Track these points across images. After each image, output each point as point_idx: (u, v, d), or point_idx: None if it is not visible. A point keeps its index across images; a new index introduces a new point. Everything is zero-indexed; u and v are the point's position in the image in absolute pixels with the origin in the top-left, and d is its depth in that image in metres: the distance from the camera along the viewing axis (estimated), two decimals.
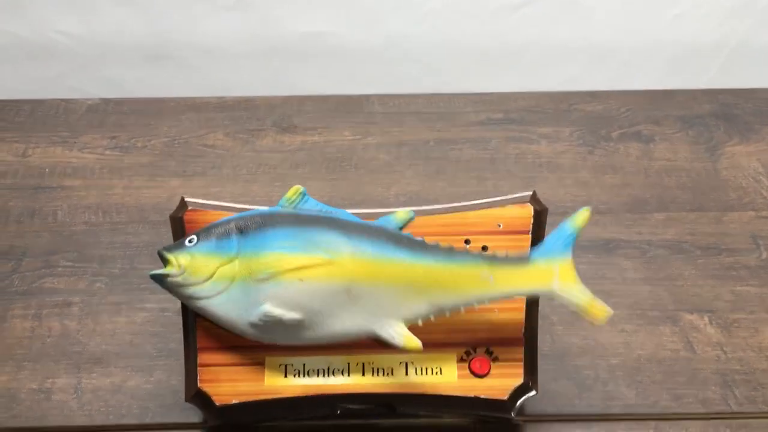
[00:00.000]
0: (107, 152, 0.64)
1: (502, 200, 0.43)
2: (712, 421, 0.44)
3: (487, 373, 0.41)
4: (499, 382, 0.41)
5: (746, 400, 0.45)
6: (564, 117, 0.68)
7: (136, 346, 0.48)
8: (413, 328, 0.39)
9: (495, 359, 0.41)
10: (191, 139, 0.66)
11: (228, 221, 0.40)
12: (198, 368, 0.41)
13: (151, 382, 0.46)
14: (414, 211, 0.41)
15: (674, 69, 0.89)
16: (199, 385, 0.40)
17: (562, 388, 0.45)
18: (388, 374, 0.41)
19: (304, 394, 0.40)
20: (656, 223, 0.57)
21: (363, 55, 0.88)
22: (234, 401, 0.40)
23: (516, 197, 0.43)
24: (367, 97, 0.71)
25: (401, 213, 0.41)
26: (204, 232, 0.40)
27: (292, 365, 0.41)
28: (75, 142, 0.65)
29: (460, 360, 0.41)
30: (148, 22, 0.87)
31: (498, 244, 0.41)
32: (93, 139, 0.66)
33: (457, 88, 0.73)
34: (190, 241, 0.40)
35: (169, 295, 0.50)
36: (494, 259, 0.39)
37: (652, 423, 0.44)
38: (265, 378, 0.41)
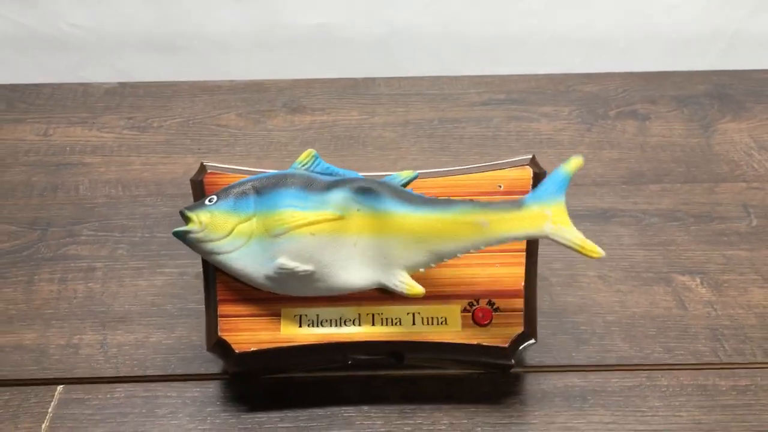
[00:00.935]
0: (125, 131, 0.67)
1: (502, 163, 0.45)
2: (702, 371, 0.46)
3: (489, 323, 0.43)
4: (500, 330, 0.43)
5: (735, 351, 0.47)
6: (563, 97, 0.71)
7: (158, 306, 0.51)
8: (420, 279, 0.42)
9: (496, 310, 0.44)
10: (205, 120, 0.69)
11: (245, 182, 0.43)
12: (218, 319, 0.43)
13: (172, 338, 0.48)
14: (419, 172, 0.44)
15: (672, 56, 0.91)
16: (219, 334, 0.43)
17: (560, 342, 0.48)
18: (396, 324, 0.43)
19: (318, 342, 0.43)
20: (651, 193, 0.60)
21: (367, 45, 0.91)
22: (252, 349, 0.43)
23: (516, 160, 0.45)
24: (373, 80, 0.73)
25: (405, 172, 0.43)
26: (223, 193, 0.43)
27: (307, 316, 0.43)
28: (94, 123, 0.68)
29: (464, 311, 0.44)
30: (158, 14, 0.90)
31: None
32: (111, 120, 0.68)
33: (458, 72, 0.76)
34: (210, 201, 0.43)
35: (187, 260, 0.53)
36: (488, 206, 0.40)
37: (645, 372, 0.46)
38: (282, 327, 0.43)
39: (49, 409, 0.44)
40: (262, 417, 0.44)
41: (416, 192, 0.43)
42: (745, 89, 0.72)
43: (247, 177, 0.44)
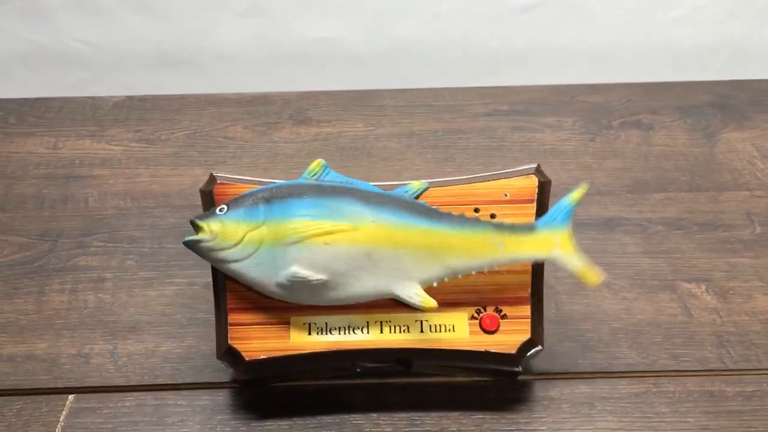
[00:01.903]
0: (133, 144, 0.68)
1: (508, 172, 0.46)
2: (708, 377, 0.47)
3: (497, 330, 0.44)
4: (508, 337, 0.44)
5: (741, 358, 0.48)
6: (567, 108, 0.72)
7: (168, 316, 0.51)
8: (428, 289, 0.42)
9: (504, 317, 0.44)
10: (212, 132, 0.69)
11: (255, 192, 0.43)
12: (228, 327, 0.44)
13: (182, 347, 0.49)
14: (428, 183, 0.44)
15: (675, 67, 0.92)
16: (229, 342, 0.43)
17: (566, 349, 0.48)
18: (404, 331, 0.44)
19: (327, 350, 0.43)
20: (655, 202, 0.60)
21: (372, 59, 0.92)
22: (262, 356, 0.43)
23: (522, 169, 0.46)
24: (378, 92, 0.74)
25: (416, 183, 0.44)
26: (233, 202, 0.43)
27: (316, 323, 0.44)
28: (102, 136, 0.69)
29: (471, 318, 0.44)
30: (164, 30, 0.91)
31: (505, 213, 0.44)
32: (119, 133, 0.69)
33: (462, 84, 0.77)
34: (220, 210, 0.43)
35: (196, 270, 0.53)
36: (503, 228, 0.42)
37: (652, 379, 0.47)
38: (291, 335, 0.44)
39: (61, 418, 0.45)
40: (271, 425, 0.44)
41: (424, 201, 0.43)
42: (747, 99, 0.72)
43: (257, 187, 0.44)
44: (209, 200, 0.45)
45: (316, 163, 0.44)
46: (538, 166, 0.46)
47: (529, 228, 0.43)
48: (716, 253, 0.55)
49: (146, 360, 0.48)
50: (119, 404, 0.46)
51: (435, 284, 0.43)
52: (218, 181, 0.45)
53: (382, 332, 0.44)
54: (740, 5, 0.89)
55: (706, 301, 0.52)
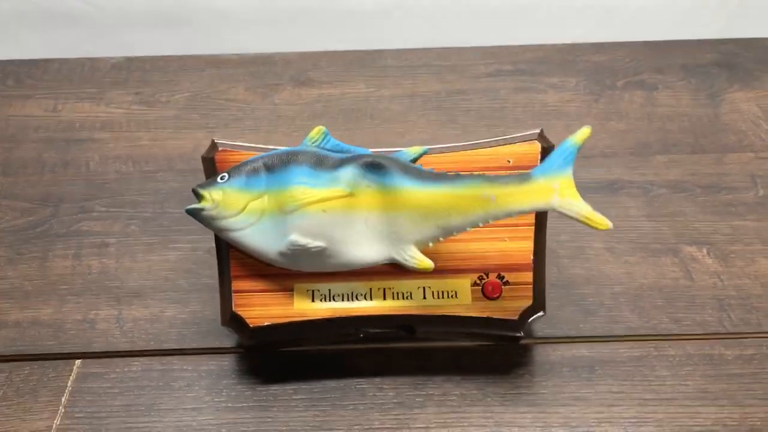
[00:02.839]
0: (133, 107, 0.67)
1: (511, 138, 0.46)
2: (708, 341, 0.47)
3: (499, 296, 0.44)
4: (510, 303, 0.44)
5: (741, 321, 0.48)
6: (570, 67, 0.71)
7: (171, 281, 0.51)
8: (430, 254, 0.42)
9: (506, 283, 0.44)
10: (212, 94, 0.69)
11: (256, 160, 0.43)
12: (232, 294, 0.44)
13: (186, 312, 0.49)
14: (428, 148, 0.44)
15: (680, 24, 0.90)
16: (234, 309, 0.44)
17: (568, 313, 0.49)
18: (407, 298, 0.44)
19: (330, 317, 0.44)
20: (659, 164, 0.60)
21: (373, 16, 0.90)
22: (266, 323, 0.44)
23: (524, 135, 0.46)
24: (380, 52, 0.73)
25: (414, 148, 0.44)
26: (234, 170, 0.43)
27: (319, 290, 0.44)
28: (102, 98, 0.68)
29: (474, 284, 0.44)
30: None
31: None
32: (119, 95, 0.69)
33: (465, 43, 0.76)
34: (221, 179, 0.43)
35: (199, 235, 0.54)
36: (495, 180, 0.41)
37: (653, 343, 0.47)
38: (294, 302, 0.44)
39: (68, 383, 0.45)
40: (276, 389, 0.45)
41: (425, 167, 0.43)
42: (753, 58, 0.72)
43: (258, 154, 0.44)
44: (211, 167, 0.45)
45: (317, 130, 0.44)
46: (541, 131, 0.46)
47: (523, 177, 0.40)
48: (719, 216, 0.55)
49: (151, 325, 0.49)
50: (126, 369, 0.46)
51: (430, 245, 0.42)
52: (220, 148, 0.45)
53: (385, 299, 0.44)
54: None
55: (707, 265, 0.52)
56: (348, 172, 0.42)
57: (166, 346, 0.47)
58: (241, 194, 0.43)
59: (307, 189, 0.42)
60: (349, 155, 0.43)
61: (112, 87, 0.70)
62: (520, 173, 0.41)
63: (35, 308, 0.50)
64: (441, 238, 0.42)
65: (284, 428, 0.43)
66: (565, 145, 0.41)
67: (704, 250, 0.53)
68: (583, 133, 0.41)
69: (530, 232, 0.45)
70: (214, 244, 0.45)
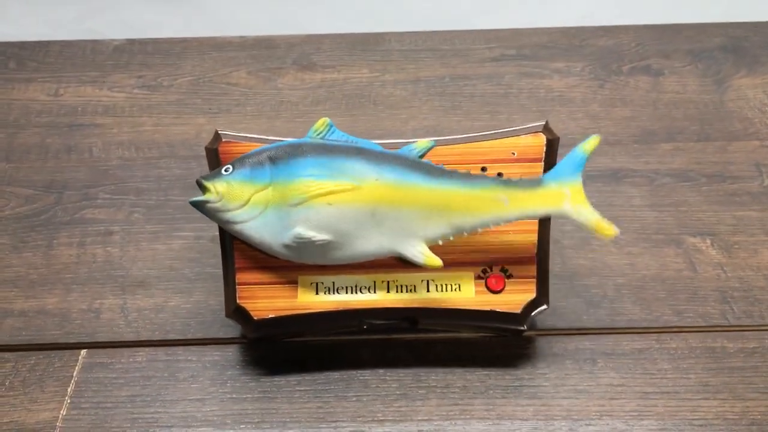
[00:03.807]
0: (135, 91, 0.67)
1: (516, 130, 0.45)
2: (710, 333, 0.47)
3: (502, 289, 0.44)
4: (513, 297, 0.44)
5: (743, 314, 0.48)
6: (576, 52, 0.70)
7: (176, 270, 0.51)
8: (434, 248, 0.42)
9: (509, 276, 0.44)
10: (215, 78, 0.68)
11: (260, 151, 0.43)
12: (237, 286, 0.44)
13: (191, 302, 0.49)
14: (434, 142, 0.44)
15: (686, 5, 0.89)
16: (238, 301, 0.44)
17: (571, 305, 0.49)
18: (410, 291, 0.44)
19: (334, 309, 0.44)
20: (663, 153, 0.60)
21: None
22: (270, 315, 0.44)
23: (529, 127, 0.45)
24: (383, 35, 0.73)
25: (422, 142, 0.43)
26: (238, 162, 0.43)
27: (323, 283, 0.44)
28: (104, 82, 0.68)
29: (477, 278, 0.44)
30: None
31: (512, 171, 0.44)
32: (121, 78, 0.68)
33: (469, 25, 0.75)
34: (226, 170, 0.43)
35: (203, 224, 0.54)
36: (509, 183, 0.42)
37: (655, 335, 0.47)
38: (299, 295, 0.44)
39: (74, 373, 0.46)
40: (280, 380, 0.45)
41: (430, 159, 0.43)
42: (761, 41, 0.71)
43: (263, 146, 0.44)
44: (215, 158, 0.45)
45: (321, 122, 0.44)
46: (547, 123, 0.45)
47: (536, 182, 0.42)
48: (723, 206, 0.55)
49: (156, 315, 0.49)
50: (131, 359, 0.47)
51: (440, 242, 0.43)
52: (223, 139, 0.45)
53: (388, 292, 0.44)
54: None
55: (711, 256, 0.52)
56: (355, 165, 0.42)
57: (170, 336, 0.48)
58: (245, 186, 0.42)
59: (312, 181, 0.42)
60: (355, 147, 0.43)
61: (114, 70, 0.69)
62: (533, 178, 0.42)
63: (40, 297, 0.50)
64: (450, 237, 0.42)
65: (288, 419, 0.43)
66: (574, 152, 0.42)
67: (708, 241, 0.53)
68: (593, 141, 0.42)
69: (534, 225, 0.44)
70: (218, 233, 0.45)
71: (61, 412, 0.44)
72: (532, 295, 0.44)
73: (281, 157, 0.42)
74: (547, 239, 0.45)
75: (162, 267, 0.52)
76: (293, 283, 0.44)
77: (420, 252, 0.42)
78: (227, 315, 0.45)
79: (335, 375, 0.45)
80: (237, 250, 0.44)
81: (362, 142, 0.43)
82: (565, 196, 0.41)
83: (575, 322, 0.48)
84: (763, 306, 0.49)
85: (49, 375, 0.46)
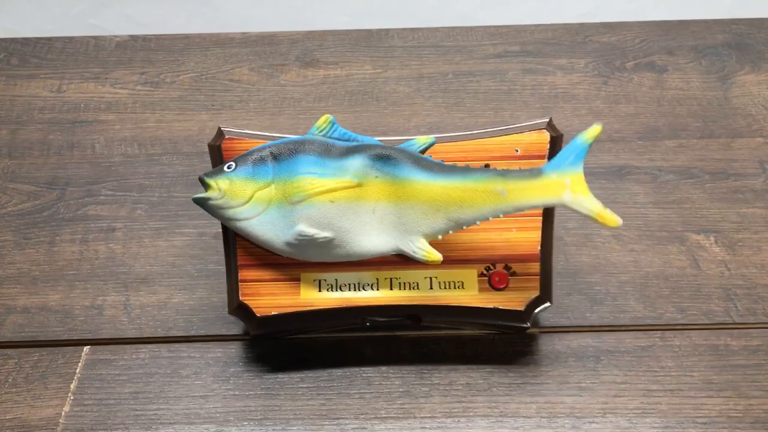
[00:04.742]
0: (138, 87, 0.67)
1: (519, 127, 0.45)
2: (714, 331, 0.47)
3: (506, 287, 0.44)
4: (517, 294, 0.44)
5: (747, 312, 0.48)
6: (579, 48, 0.70)
7: (178, 267, 0.51)
8: (437, 245, 0.42)
9: (513, 274, 0.44)
10: (218, 74, 0.68)
11: (263, 148, 0.43)
12: (239, 283, 0.44)
13: (193, 299, 0.49)
14: (436, 137, 0.44)
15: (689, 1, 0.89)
16: (240, 298, 0.44)
17: (574, 302, 0.49)
18: (414, 288, 0.44)
19: (337, 306, 0.44)
20: (667, 149, 0.60)
21: None
22: (273, 312, 0.44)
23: (533, 124, 0.45)
24: (386, 32, 0.72)
25: (423, 138, 0.43)
26: (241, 159, 0.43)
27: (326, 280, 0.44)
28: (107, 78, 0.68)
29: (481, 275, 0.44)
30: None
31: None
32: (124, 75, 0.68)
33: (472, 22, 0.75)
34: (228, 167, 0.43)
35: (205, 221, 0.53)
36: (507, 174, 0.41)
37: (658, 333, 0.47)
38: (301, 292, 0.44)
39: (77, 370, 0.46)
40: (283, 377, 0.45)
41: (433, 157, 0.43)
42: (765, 38, 0.71)
43: (265, 143, 0.44)
44: (217, 155, 0.45)
45: (324, 119, 0.43)
46: (550, 120, 0.45)
47: (535, 173, 0.41)
48: (727, 203, 0.55)
49: (159, 312, 0.49)
50: (134, 356, 0.47)
51: (440, 237, 0.42)
52: (226, 136, 0.45)
53: (391, 289, 0.44)
54: None
55: (714, 253, 0.52)
56: (356, 162, 0.42)
57: (173, 333, 0.48)
58: (247, 183, 0.42)
59: (314, 179, 0.42)
60: (357, 145, 0.43)
61: (117, 66, 0.69)
62: (532, 168, 0.41)
63: (43, 294, 0.50)
64: (451, 231, 0.42)
65: (291, 416, 0.43)
66: (576, 141, 0.41)
67: (711, 239, 0.53)
68: (594, 130, 0.41)
69: (537, 222, 0.44)
70: (220, 229, 0.45)
71: (64, 408, 0.44)
72: (536, 293, 0.44)
73: (284, 154, 0.42)
74: (551, 236, 0.45)
75: (165, 264, 0.52)
76: (296, 280, 0.44)
77: (420, 248, 0.42)
78: (230, 312, 0.45)
79: (338, 372, 0.45)
80: (240, 247, 0.44)
81: (364, 139, 0.43)
82: (565, 186, 0.40)
83: (578, 319, 0.48)
84: (767, 304, 0.48)
85: (52, 372, 0.46)
